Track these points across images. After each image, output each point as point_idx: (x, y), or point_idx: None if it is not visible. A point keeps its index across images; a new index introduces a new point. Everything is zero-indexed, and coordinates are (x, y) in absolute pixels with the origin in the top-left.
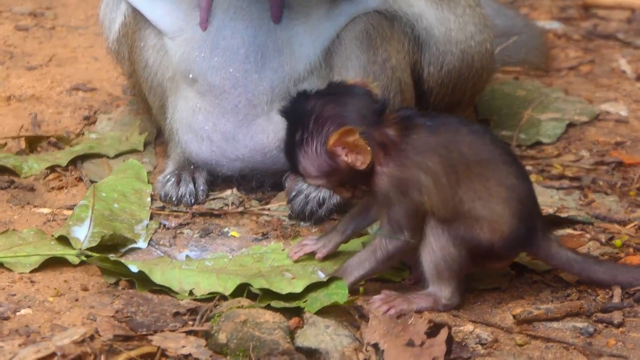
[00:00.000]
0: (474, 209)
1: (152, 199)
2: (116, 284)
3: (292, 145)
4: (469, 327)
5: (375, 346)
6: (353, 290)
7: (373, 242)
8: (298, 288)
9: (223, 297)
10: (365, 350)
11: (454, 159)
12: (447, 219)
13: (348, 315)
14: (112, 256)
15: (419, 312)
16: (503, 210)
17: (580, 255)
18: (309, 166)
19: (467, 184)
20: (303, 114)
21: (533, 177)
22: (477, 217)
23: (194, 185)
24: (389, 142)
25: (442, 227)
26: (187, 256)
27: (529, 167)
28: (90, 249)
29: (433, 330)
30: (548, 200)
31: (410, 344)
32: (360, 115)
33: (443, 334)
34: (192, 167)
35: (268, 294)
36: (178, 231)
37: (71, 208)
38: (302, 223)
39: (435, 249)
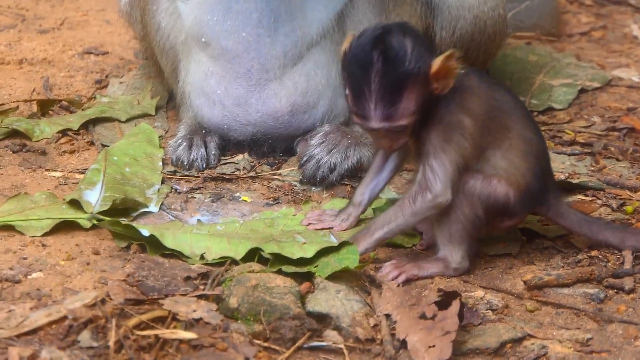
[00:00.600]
0: (494, 159)
1: (164, 163)
2: (127, 248)
3: (391, 84)
4: (480, 292)
5: (388, 316)
6: (375, 249)
7: (401, 200)
8: (309, 253)
9: (234, 262)
10: (377, 316)
11: (488, 104)
12: (466, 176)
13: (359, 280)
14: (123, 220)
15: (430, 277)
16: (520, 163)
17: (590, 217)
18: (410, 101)
19: (493, 132)
20: (398, 50)
21: None
22: (495, 169)
23: (206, 150)
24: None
25: (459, 187)
26: (198, 220)
27: None
28: (102, 212)
29: (444, 300)
30: (560, 166)
31: (423, 316)
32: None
33: (455, 306)
34: (203, 131)
35: (279, 259)
36: (189, 195)
37: (83, 172)
38: (313, 188)
39: (450, 211)
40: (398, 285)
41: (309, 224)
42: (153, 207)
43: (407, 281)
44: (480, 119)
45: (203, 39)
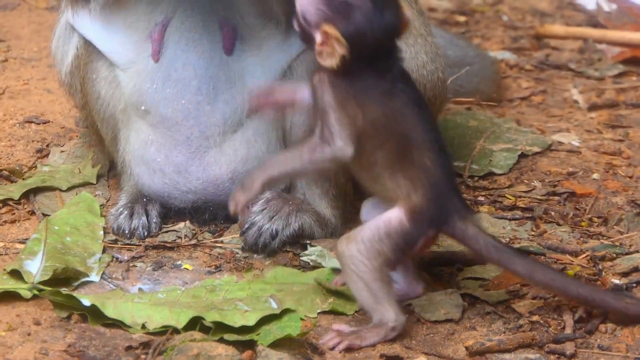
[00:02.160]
0: (383, 180)
1: (105, 232)
2: (69, 317)
3: None
4: (422, 358)
5: None
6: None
7: (299, 146)
8: (251, 321)
9: (176, 331)
10: None
11: (387, 119)
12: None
13: (301, 348)
14: (64, 290)
15: (372, 345)
16: (410, 182)
17: (501, 244)
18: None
19: (385, 150)
20: None
21: (485, 208)
22: (386, 190)
23: (147, 218)
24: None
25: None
26: (140, 289)
27: (481, 198)
28: (43, 282)
29: None
30: (500, 231)
31: None
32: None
33: None
34: (144, 199)
35: (221, 327)
36: (131, 264)
37: (23, 242)
38: (255, 255)
39: (359, 275)
40: (340, 352)
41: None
42: (94, 277)
43: (349, 349)
44: (373, 124)
45: (142, 107)
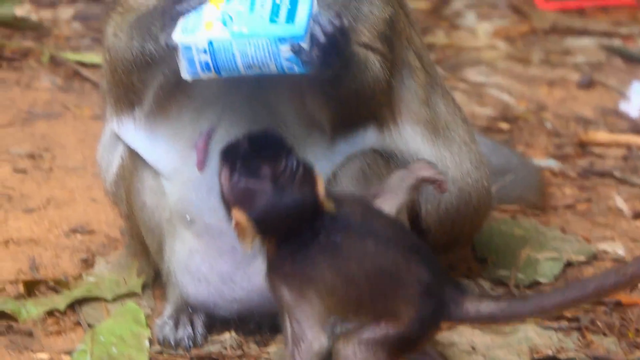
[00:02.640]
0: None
1: (151, 343)
2: None
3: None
4: None
5: None
6: None
7: None
8: None
9: None
10: None
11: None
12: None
13: None
14: None
15: None
16: (396, 310)
17: (502, 300)
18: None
19: (363, 301)
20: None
21: (531, 318)
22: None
23: (192, 329)
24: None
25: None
26: None
27: None
28: None
29: None
30: (547, 341)
31: None
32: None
33: None
34: (190, 309)
35: None
36: None
37: (69, 353)
38: None
39: None
40: None
41: None
42: None
43: None
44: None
45: (187, 217)
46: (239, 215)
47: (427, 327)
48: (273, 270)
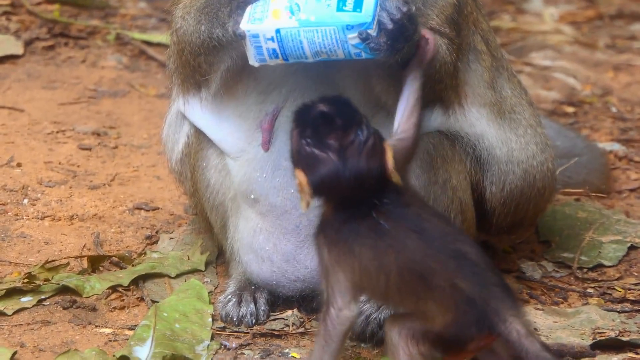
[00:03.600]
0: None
1: (213, 319)
2: None
3: None
4: None
5: None
6: None
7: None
8: None
9: None
10: None
11: (379, 259)
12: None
13: None
14: None
15: None
16: (434, 311)
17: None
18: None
19: (394, 288)
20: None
21: (594, 300)
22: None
23: (255, 306)
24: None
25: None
26: None
27: (590, 290)
28: None
29: None
30: (609, 323)
31: None
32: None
33: None
34: (253, 287)
35: None
36: (239, 352)
37: (132, 328)
38: (362, 344)
39: (394, 349)
40: None
41: None
42: None
43: None
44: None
45: (252, 196)
46: (300, 176)
47: (469, 335)
48: (321, 230)
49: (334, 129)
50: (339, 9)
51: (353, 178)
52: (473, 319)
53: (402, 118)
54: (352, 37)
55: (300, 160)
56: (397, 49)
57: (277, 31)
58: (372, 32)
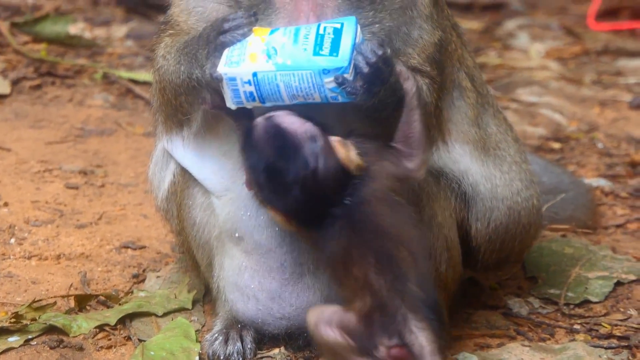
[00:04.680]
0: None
1: (201, 358)
2: None
3: None
4: None
5: None
6: None
7: None
8: None
9: None
10: None
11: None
12: None
13: None
14: None
15: None
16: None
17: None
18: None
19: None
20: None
21: (581, 336)
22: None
23: (242, 344)
24: None
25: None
26: None
27: (577, 326)
28: None
29: None
30: (596, 359)
31: None
32: None
33: None
34: (239, 325)
35: None
36: None
37: None
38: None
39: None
40: None
41: None
42: None
43: None
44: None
45: (237, 234)
46: (273, 211)
47: (377, 335)
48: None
49: (283, 160)
50: (316, 53)
51: (321, 193)
52: (381, 321)
53: (399, 133)
54: (329, 82)
55: (264, 200)
56: (373, 92)
57: (254, 74)
58: (349, 76)
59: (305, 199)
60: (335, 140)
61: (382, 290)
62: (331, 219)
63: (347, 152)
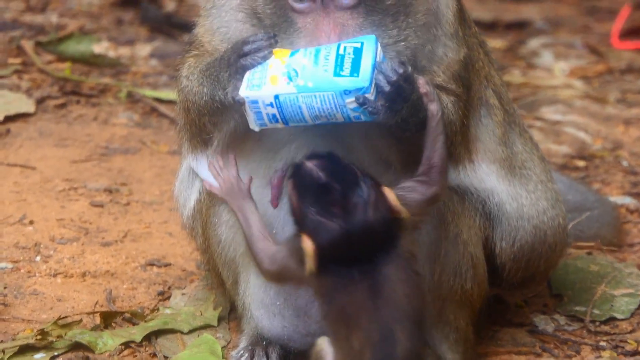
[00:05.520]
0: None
1: None
2: None
3: None
4: None
5: None
6: None
7: None
8: None
9: None
10: None
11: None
12: None
13: None
14: None
15: None
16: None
17: None
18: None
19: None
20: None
21: (607, 353)
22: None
23: None
24: None
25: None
26: None
27: (602, 343)
28: None
29: None
30: None
31: None
32: None
33: None
34: (265, 342)
35: None
36: None
37: None
38: None
39: None
40: None
41: None
42: None
43: None
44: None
45: None
46: (307, 244)
47: None
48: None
49: (335, 195)
50: (336, 74)
51: (362, 239)
52: None
53: (423, 160)
54: (350, 102)
55: (306, 226)
56: (395, 110)
57: (276, 97)
58: (370, 96)
59: (346, 234)
60: (385, 188)
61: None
62: (352, 272)
63: (396, 200)
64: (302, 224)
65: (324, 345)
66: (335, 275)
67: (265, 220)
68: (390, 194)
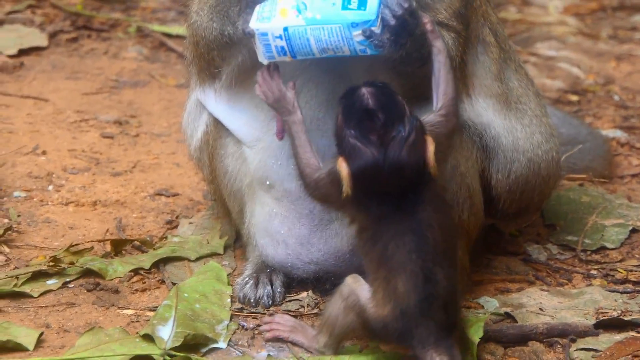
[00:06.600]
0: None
1: (232, 300)
2: None
3: None
4: None
5: None
6: None
7: None
8: None
9: None
10: None
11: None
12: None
13: None
14: (194, 356)
15: (294, 344)
16: (384, 297)
17: None
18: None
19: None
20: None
21: (597, 282)
22: (372, 284)
23: (272, 288)
24: None
25: (344, 291)
26: (269, 355)
27: (593, 272)
28: (174, 348)
29: None
30: (612, 303)
31: None
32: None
33: None
34: (269, 270)
35: None
36: (256, 332)
37: (154, 309)
38: None
39: (334, 303)
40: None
41: None
42: (222, 343)
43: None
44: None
45: (267, 182)
46: (342, 166)
47: (387, 338)
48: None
49: (377, 124)
50: (344, 7)
51: (393, 174)
52: (397, 329)
53: (439, 94)
54: (357, 35)
55: (343, 148)
56: (400, 44)
57: (285, 29)
58: (376, 29)
59: (377, 164)
60: (429, 137)
61: (410, 303)
62: (392, 211)
63: (432, 154)
64: (340, 146)
65: (358, 284)
66: (375, 213)
67: (271, 152)
68: (431, 145)
